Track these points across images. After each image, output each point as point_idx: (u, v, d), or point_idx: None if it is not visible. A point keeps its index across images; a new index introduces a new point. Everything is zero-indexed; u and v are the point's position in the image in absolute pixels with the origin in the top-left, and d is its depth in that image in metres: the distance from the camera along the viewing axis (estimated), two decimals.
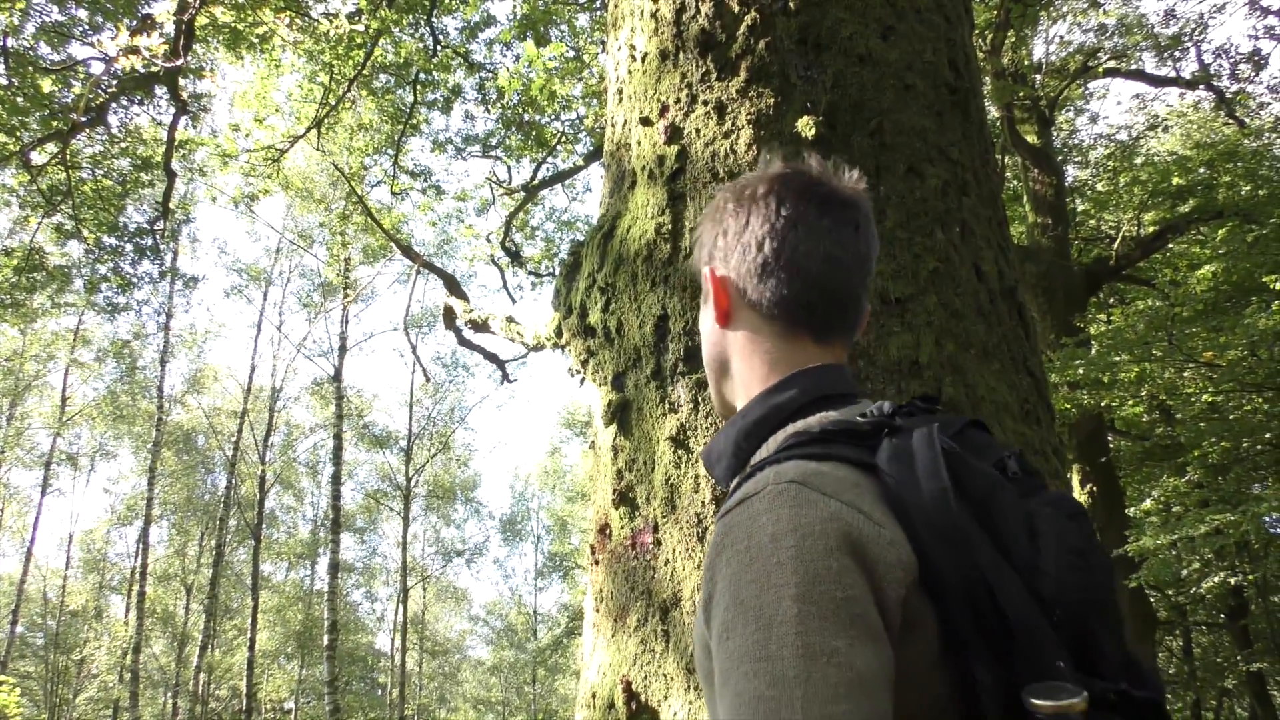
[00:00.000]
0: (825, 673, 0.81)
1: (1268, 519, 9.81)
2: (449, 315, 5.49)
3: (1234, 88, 14.29)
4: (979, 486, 0.98)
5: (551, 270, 13.69)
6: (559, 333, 3.05)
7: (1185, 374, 10.11)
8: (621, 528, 2.57)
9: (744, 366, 1.18)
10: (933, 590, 0.92)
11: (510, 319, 3.97)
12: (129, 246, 13.72)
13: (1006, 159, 12.26)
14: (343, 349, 21.88)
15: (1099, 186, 14.25)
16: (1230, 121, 14.04)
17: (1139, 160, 14.12)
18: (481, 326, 4.37)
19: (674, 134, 2.75)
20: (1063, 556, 0.95)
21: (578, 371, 2.98)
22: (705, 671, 1.00)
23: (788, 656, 0.83)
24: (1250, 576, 12.82)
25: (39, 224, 12.33)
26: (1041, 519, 0.99)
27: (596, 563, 2.68)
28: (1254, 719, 16.00)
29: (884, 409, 1.06)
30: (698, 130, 2.70)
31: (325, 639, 16.41)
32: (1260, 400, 10.48)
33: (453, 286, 5.99)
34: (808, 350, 1.15)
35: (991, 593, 0.90)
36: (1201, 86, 14.16)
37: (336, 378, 21.27)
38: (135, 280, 14.34)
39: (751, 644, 0.85)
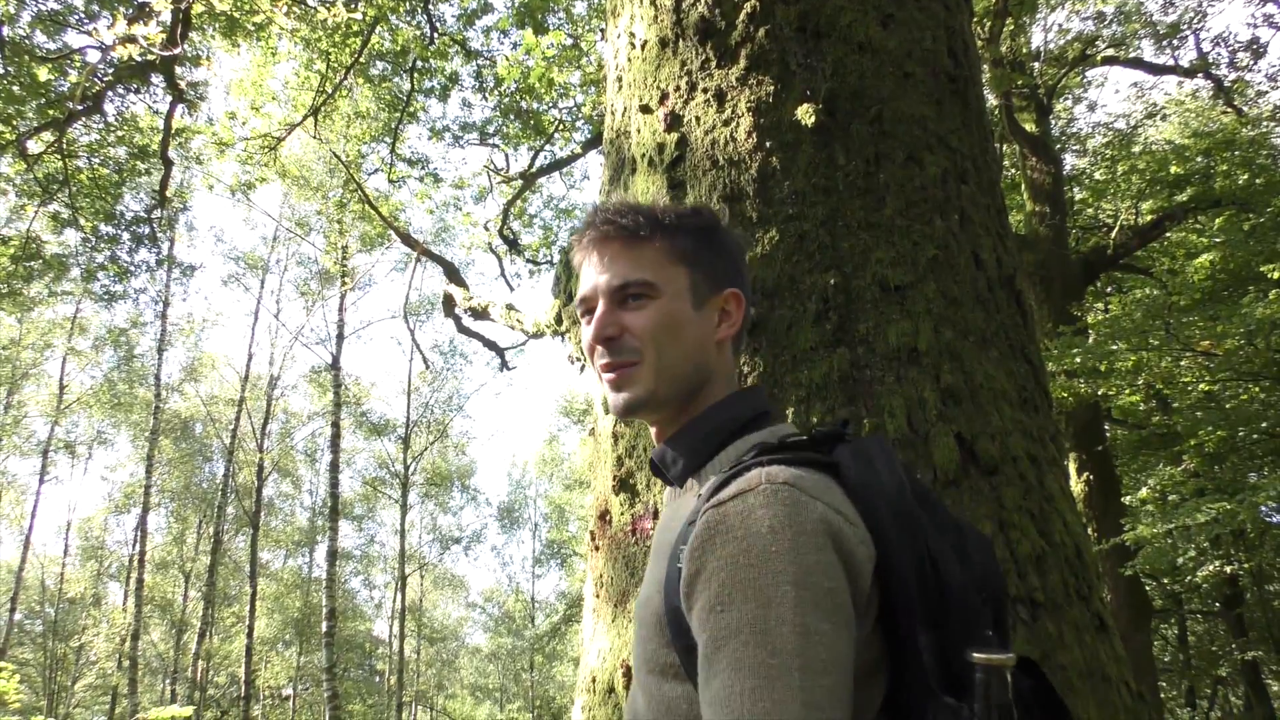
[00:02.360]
0: (816, 650, 0.94)
1: (1264, 508, 9.84)
2: (448, 302, 5.50)
3: (1232, 76, 14.28)
4: (919, 485, 1.19)
5: (549, 258, 13.67)
6: (559, 319, 3.06)
7: (1182, 363, 10.12)
8: (622, 514, 2.59)
9: (718, 387, 1.28)
10: (885, 570, 1.05)
11: (510, 306, 3.98)
12: (126, 235, 13.69)
13: (1005, 147, 12.24)
14: (340, 337, 21.88)
15: (1097, 175, 14.24)
16: (1228, 110, 14.02)
17: (1137, 149, 14.10)
18: (481, 314, 4.38)
19: (674, 121, 2.75)
20: (983, 549, 1.18)
21: (578, 358, 2.99)
22: (649, 643, 1.13)
23: (786, 633, 0.94)
24: (1246, 565, 12.88)
25: (35, 212, 12.29)
26: (961, 521, 1.20)
27: (597, 548, 2.70)
28: (1248, 707, 16.08)
29: (837, 423, 1.23)
30: (697, 118, 2.70)
31: (323, 626, 16.46)
32: (1257, 389, 10.51)
33: (452, 274, 5.99)
34: (736, 380, 1.34)
35: (936, 569, 1.07)
36: (1200, 75, 14.16)
37: (334, 365, 21.28)
38: (132, 268, 14.31)
39: (752, 618, 0.96)
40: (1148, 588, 12.28)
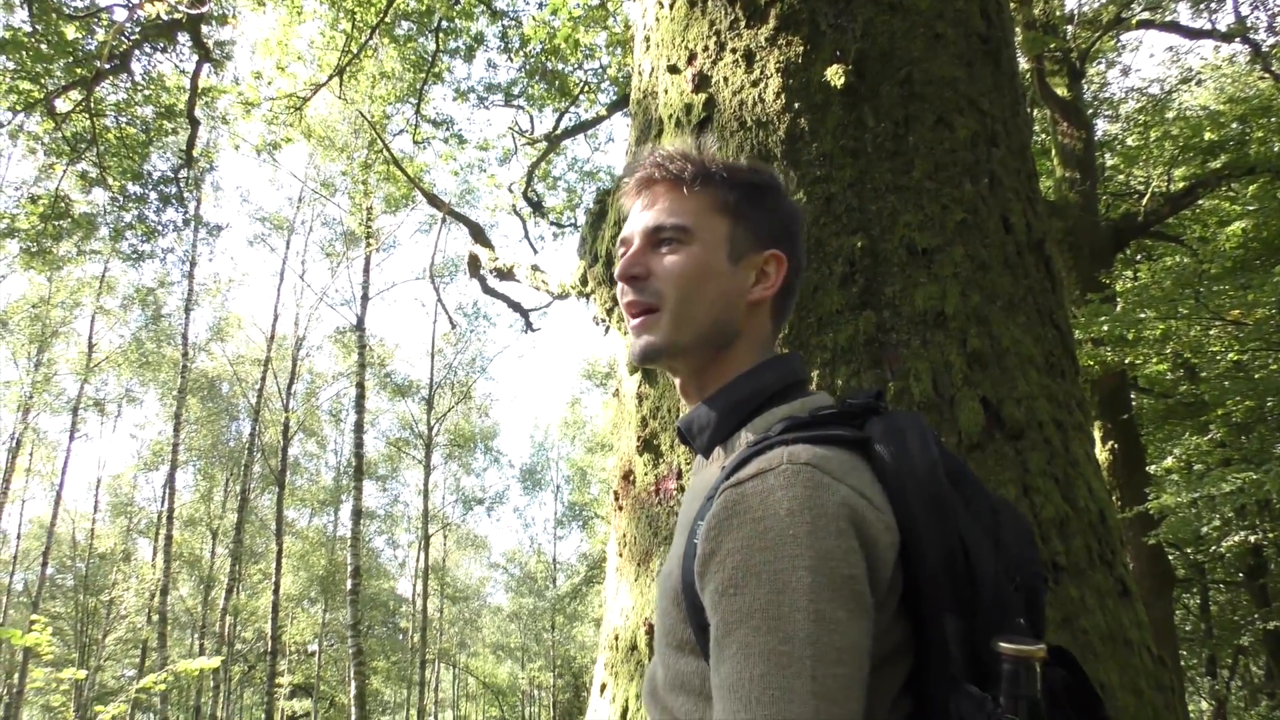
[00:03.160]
0: (830, 638, 0.92)
1: None
2: (474, 263, 5.49)
3: (1270, 41, 13.97)
4: (953, 465, 1.12)
5: (573, 221, 13.65)
6: (584, 281, 3.06)
7: (1211, 332, 10.00)
8: (645, 474, 2.60)
9: (747, 350, 1.23)
10: (911, 555, 1.02)
11: (535, 267, 3.98)
12: (153, 194, 13.77)
13: (1035, 112, 12.06)
14: (365, 298, 21.97)
15: (1129, 141, 14.01)
16: (1266, 75, 13.73)
17: (1170, 114, 13.86)
18: (506, 274, 4.38)
19: (702, 82, 2.73)
20: (1020, 535, 1.14)
21: (602, 320, 2.99)
22: (669, 617, 1.12)
23: (800, 619, 0.92)
24: (1271, 535, 12.79)
25: (64, 171, 12.37)
26: (998, 501, 1.16)
27: (620, 508, 2.72)
28: (1269, 677, 16.06)
29: (871, 395, 1.17)
30: (726, 78, 2.68)
31: (348, 584, 16.68)
32: None
33: (478, 234, 5.98)
34: (773, 346, 1.28)
35: (967, 554, 1.04)
36: (1237, 39, 13.85)
37: (359, 326, 21.39)
38: (159, 228, 14.40)
39: (765, 603, 0.94)
40: (1170, 557, 12.23)
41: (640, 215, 1.25)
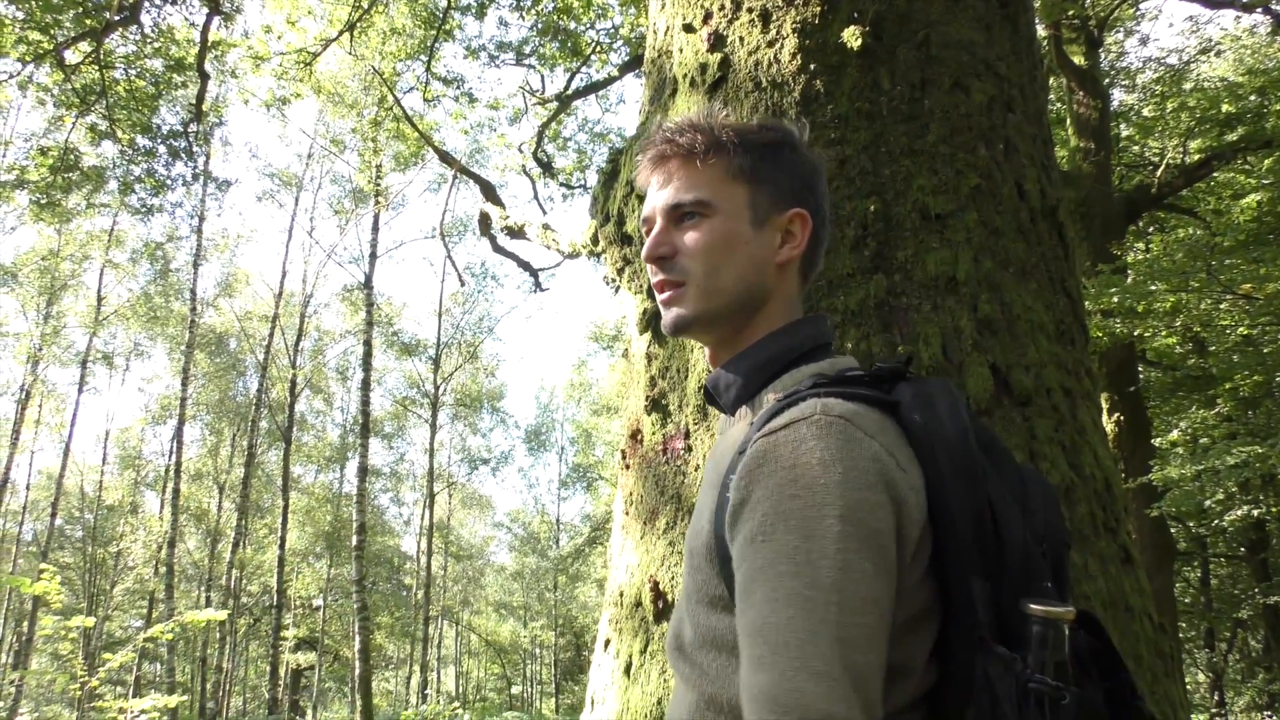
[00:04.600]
0: (856, 587, 0.93)
1: None
2: (484, 221, 5.48)
3: None
4: (984, 432, 1.14)
5: (583, 182, 13.59)
6: (595, 240, 3.06)
7: (1222, 305, 9.96)
8: (653, 433, 2.61)
9: (777, 311, 1.23)
10: (939, 519, 1.02)
11: (546, 226, 3.97)
12: (162, 148, 13.72)
13: (1051, 81, 11.93)
14: (373, 256, 21.90)
15: (1145, 112, 13.87)
16: None
17: (1188, 85, 13.70)
18: (517, 233, 4.37)
19: (717, 42, 2.71)
20: (1047, 502, 1.15)
21: (613, 280, 2.99)
22: (700, 573, 1.12)
23: (826, 566, 0.93)
24: (1274, 510, 12.83)
25: (73, 124, 12.32)
26: (1025, 469, 1.17)
27: (627, 467, 2.73)
28: (1267, 650, 16.17)
29: (901, 360, 1.17)
30: (741, 38, 2.66)
31: (353, 540, 16.82)
32: None
33: (489, 193, 5.96)
34: (800, 307, 1.27)
35: (995, 519, 1.04)
36: (1259, 9, 13.66)
37: (367, 284, 21.38)
38: (169, 182, 14.36)
39: (792, 549, 0.94)
40: (1173, 530, 12.27)
41: (658, 194, 1.25)
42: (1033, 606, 0.99)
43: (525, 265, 7.59)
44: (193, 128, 13.37)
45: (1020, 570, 1.04)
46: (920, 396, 1.09)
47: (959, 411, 1.08)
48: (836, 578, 0.92)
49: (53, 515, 25.92)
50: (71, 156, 13.14)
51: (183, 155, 14.04)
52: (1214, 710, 16.41)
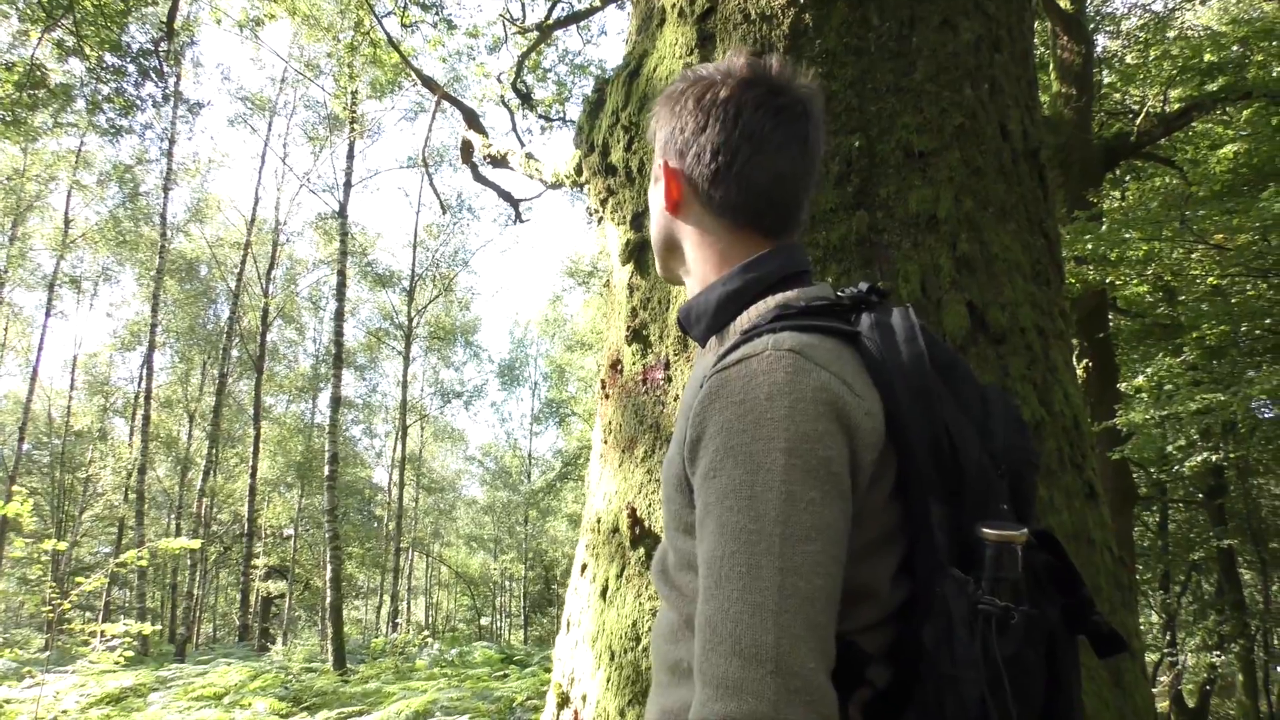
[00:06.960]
0: (801, 517, 0.96)
1: (1257, 402, 9.96)
2: (466, 149, 5.42)
3: None
4: (943, 355, 1.17)
5: (562, 115, 13.43)
6: (579, 170, 3.05)
7: (1194, 255, 10.06)
8: (633, 363, 2.64)
9: (696, 254, 1.27)
10: (899, 443, 1.06)
11: (530, 155, 3.94)
12: (132, 67, 13.43)
13: (1036, 24, 11.84)
14: (348, 184, 21.56)
15: (1128, 59, 13.82)
16: None
17: (1172, 34, 13.65)
18: (500, 161, 4.33)
19: None
20: (1009, 423, 1.17)
21: (596, 211, 2.99)
22: (673, 503, 1.15)
23: (771, 498, 0.96)
24: (1233, 456, 13.11)
25: (39, 39, 11.99)
26: (989, 390, 1.20)
27: (607, 396, 2.76)
28: (1219, 593, 16.63)
29: (862, 289, 1.19)
30: None
31: (325, 470, 16.83)
32: (1265, 286, 10.47)
33: (471, 120, 5.88)
34: (754, 242, 1.24)
35: (952, 442, 1.08)
36: None
37: (341, 213, 21.07)
38: (138, 102, 14.11)
39: (739, 483, 0.98)
40: (1135, 475, 12.53)
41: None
42: (985, 530, 1.03)
43: (506, 195, 7.52)
44: (163, 46, 13.08)
45: (977, 493, 1.08)
46: (878, 325, 1.12)
47: (915, 338, 1.11)
48: (782, 508, 0.96)
49: (20, 439, 25.68)
50: (38, 73, 12.81)
51: (153, 75, 13.76)
52: (1165, 650, 16.90)
